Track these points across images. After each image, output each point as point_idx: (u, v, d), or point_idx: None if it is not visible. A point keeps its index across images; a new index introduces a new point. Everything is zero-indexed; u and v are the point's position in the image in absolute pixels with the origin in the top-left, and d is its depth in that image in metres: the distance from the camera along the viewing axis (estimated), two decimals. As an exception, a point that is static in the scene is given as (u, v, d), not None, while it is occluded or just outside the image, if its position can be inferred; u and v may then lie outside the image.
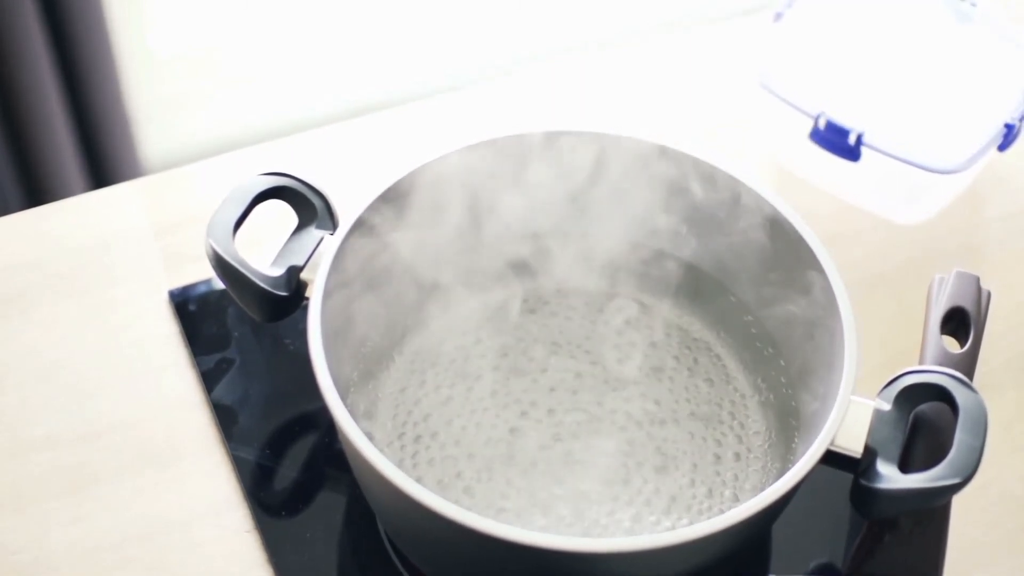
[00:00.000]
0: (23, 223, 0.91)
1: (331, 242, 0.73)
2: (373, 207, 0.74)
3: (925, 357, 0.74)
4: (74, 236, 0.90)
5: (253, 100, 1.69)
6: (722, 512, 0.70)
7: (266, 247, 0.76)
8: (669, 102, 1.02)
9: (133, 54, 1.54)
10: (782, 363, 0.76)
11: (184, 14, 1.64)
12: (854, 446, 0.67)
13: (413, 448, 0.75)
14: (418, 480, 0.72)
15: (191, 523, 0.76)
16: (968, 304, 0.75)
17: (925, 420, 0.70)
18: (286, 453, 0.79)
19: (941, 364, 0.72)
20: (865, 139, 0.87)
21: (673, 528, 0.72)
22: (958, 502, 0.70)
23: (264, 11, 1.66)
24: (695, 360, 0.80)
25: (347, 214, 0.73)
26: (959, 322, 0.75)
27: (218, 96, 1.69)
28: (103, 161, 1.50)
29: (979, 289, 0.76)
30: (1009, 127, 0.89)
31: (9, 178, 1.46)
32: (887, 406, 0.68)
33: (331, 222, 0.75)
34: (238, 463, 0.78)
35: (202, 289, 0.86)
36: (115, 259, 0.89)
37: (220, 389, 0.81)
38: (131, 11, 1.54)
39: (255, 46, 1.68)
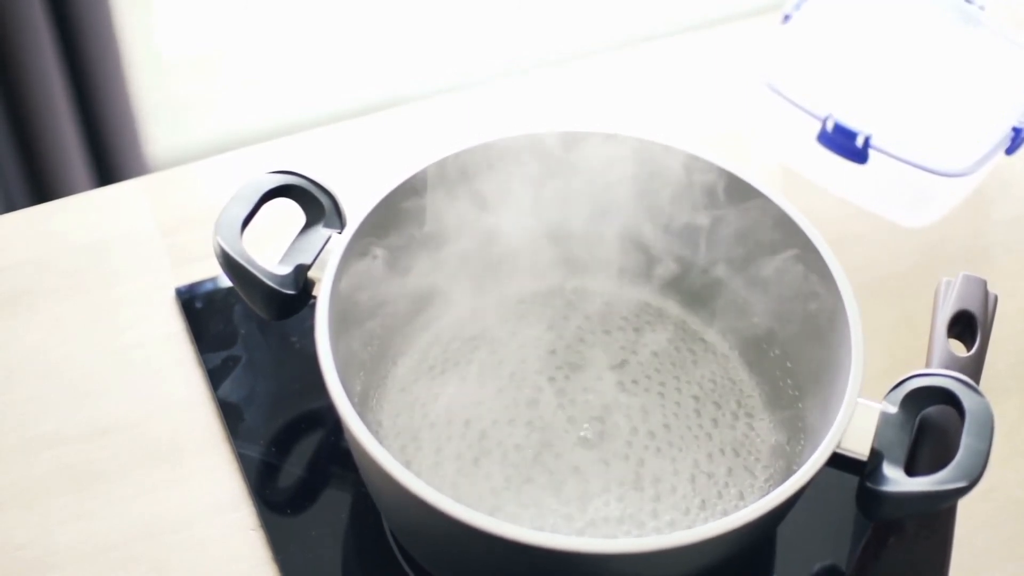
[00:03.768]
0: (29, 220, 0.91)
1: (339, 241, 0.72)
2: (381, 206, 0.74)
3: (932, 360, 0.73)
4: (80, 233, 0.90)
5: (259, 102, 1.69)
6: (727, 514, 0.70)
7: (274, 245, 0.76)
8: (676, 104, 1.02)
9: (140, 55, 1.54)
10: (788, 365, 0.76)
11: (191, 16, 1.64)
12: (860, 449, 0.67)
13: (419, 446, 0.75)
14: (424, 479, 0.72)
15: (196, 520, 0.76)
16: (975, 308, 0.75)
17: (931, 423, 0.69)
18: (292, 451, 0.79)
19: (948, 367, 0.72)
20: (872, 142, 0.87)
21: (678, 530, 0.72)
22: (962, 506, 0.70)
23: (271, 12, 1.66)
24: (701, 361, 0.80)
25: (355, 213, 0.73)
26: (965, 325, 0.75)
27: (224, 98, 1.69)
28: (109, 159, 1.51)
29: (986, 293, 0.76)
30: (1017, 131, 0.89)
31: (16, 176, 1.46)
32: (893, 409, 0.68)
33: (339, 221, 0.75)
34: (244, 461, 0.78)
35: (208, 287, 0.86)
36: (121, 257, 0.89)
37: (226, 387, 0.82)
38: (139, 13, 1.54)
39: (262, 47, 1.68)
